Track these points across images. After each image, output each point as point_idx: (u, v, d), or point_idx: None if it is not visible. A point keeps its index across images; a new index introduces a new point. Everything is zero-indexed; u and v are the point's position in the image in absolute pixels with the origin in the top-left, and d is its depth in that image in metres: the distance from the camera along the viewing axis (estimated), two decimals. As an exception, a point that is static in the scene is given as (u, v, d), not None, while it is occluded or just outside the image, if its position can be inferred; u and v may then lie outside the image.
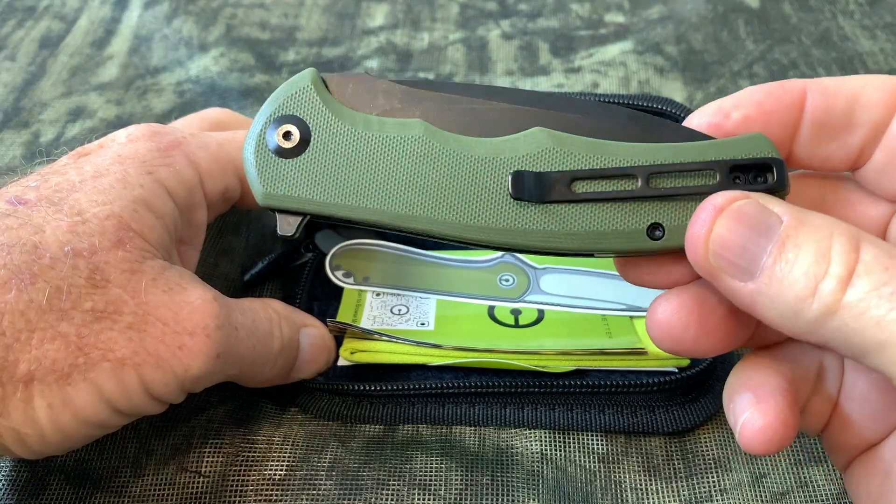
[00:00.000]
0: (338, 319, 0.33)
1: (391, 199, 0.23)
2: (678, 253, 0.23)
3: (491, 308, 0.35)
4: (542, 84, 0.50)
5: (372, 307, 0.35)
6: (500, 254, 0.36)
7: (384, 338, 0.32)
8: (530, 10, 0.57)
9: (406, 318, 0.34)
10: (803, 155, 0.24)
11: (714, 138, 0.23)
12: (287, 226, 0.25)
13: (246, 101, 0.47)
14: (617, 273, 0.34)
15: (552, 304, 0.35)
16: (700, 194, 0.22)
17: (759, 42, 0.52)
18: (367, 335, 0.33)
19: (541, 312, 0.35)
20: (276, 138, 0.24)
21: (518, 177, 0.23)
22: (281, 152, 0.24)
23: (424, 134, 0.23)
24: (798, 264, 0.20)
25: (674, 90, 0.49)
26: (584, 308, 0.34)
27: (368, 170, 0.23)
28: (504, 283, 0.36)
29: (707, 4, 0.55)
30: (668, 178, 0.23)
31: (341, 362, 0.33)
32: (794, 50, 0.51)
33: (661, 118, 0.24)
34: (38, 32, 0.55)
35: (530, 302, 0.35)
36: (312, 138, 0.24)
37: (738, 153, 0.23)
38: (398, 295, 0.35)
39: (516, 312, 0.35)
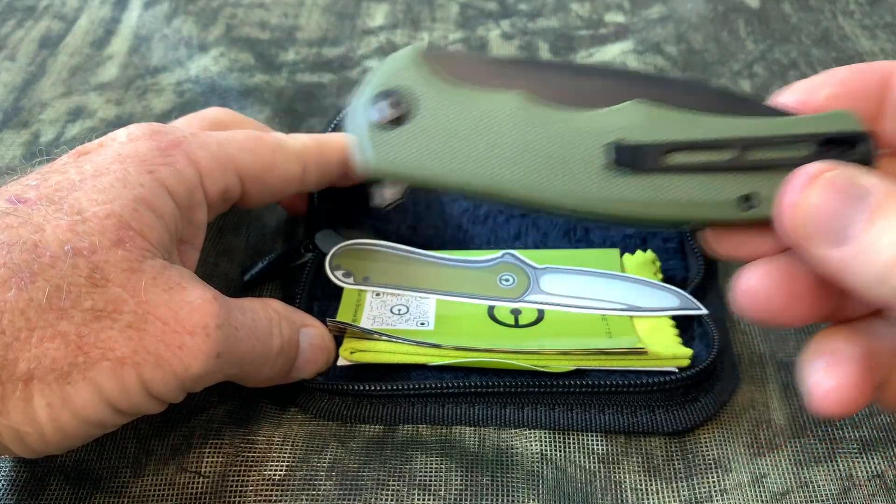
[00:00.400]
0: (337, 319, 0.33)
1: (491, 169, 0.24)
2: (767, 224, 0.23)
3: (491, 308, 0.35)
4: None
5: (372, 307, 0.35)
6: (500, 253, 0.36)
7: (384, 338, 0.32)
8: (530, 9, 0.57)
9: (406, 318, 0.34)
10: (889, 134, 0.25)
11: (801, 115, 0.24)
12: (387, 196, 0.26)
13: (246, 101, 0.47)
14: (617, 273, 0.34)
15: (552, 304, 0.35)
16: (791, 166, 0.23)
17: (759, 42, 0.52)
18: (366, 335, 0.33)
19: (541, 312, 0.35)
20: (380, 111, 0.24)
21: (617, 147, 0.24)
22: (385, 125, 0.24)
23: (524, 105, 0.24)
24: (887, 233, 0.20)
25: (674, 90, 0.49)
26: (584, 308, 0.34)
27: (470, 140, 0.24)
28: (504, 282, 0.36)
29: (707, 4, 0.55)
30: (761, 151, 0.24)
31: (341, 362, 0.33)
32: (795, 50, 0.51)
33: (750, 97, 0.25)
34: (38, 32, 0.55)
35: (530, 302, 0.35)
36: (417, 111, 0.25)
37: (827, 128, 0.24)
38: (398, 295, 0.35)
39: (516, 312, 0.35)
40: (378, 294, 0.35)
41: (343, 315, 0.34)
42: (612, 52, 0.52)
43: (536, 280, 0.36)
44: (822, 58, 0.51)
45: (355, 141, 0.25)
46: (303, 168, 0.33)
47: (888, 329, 0.24)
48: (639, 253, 0.36)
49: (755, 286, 0.24)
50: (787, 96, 0.25)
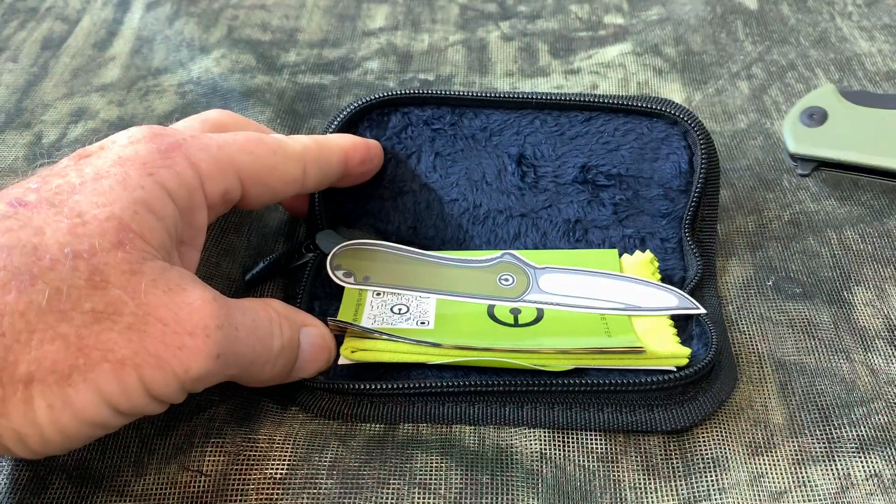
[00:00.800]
0: (339, 318, 0.33)
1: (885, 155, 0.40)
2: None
3: (491, 307, 0.35)
4: (542, 85, 0.50)
5: (372, 306, 0.35)
6: (499, 253, 0.37)
7: (384, 337, 0.32)
8: (530, 11, 0.57)
9: (406, 318, 0.34)
10: None
11: None
12: (800, 170, 0.41)
13: (247, 102, 0.48)
14: (616, 273, 0.34)
15: (551, 304, 0.35)
16: None
17: (757, 43, 0.53)
18: (367, 334, 0.33)
19: (540, 312, 0.35)
20: (805, 119, 0.41)
21: None
22: (809, 125, 0.41)
23: None
24: None
25: (672, 91, 0.49)
26: (583, 308, 0.35)
27: (862, 136, 0.40)
28: (504, 282, 0.36)
29: (706, 6, 0.56)
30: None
31: (342, 361, 0.33)
32: (793, 51, 0.52)
33: None
34: (41, 34, 0.56)
35: (530, 301, 0.35)
36: (828, 120, 0.41)
37: None
38: (398, 294, 0.36)
39: (516, 312, 0.35)
40: (378, 294, 0.35)
41: (344, 314, 0.35)
42: (612, 54, 0.52)
43: (536, 280, 0.36)
44: (820, 59, 0.51)
45: (787, 135, 0.41)
46: (303, 169, 0.33)
47: None
48: (637, 253, 0.37)
49: None
50: None
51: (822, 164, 0.41)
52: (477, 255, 0.37)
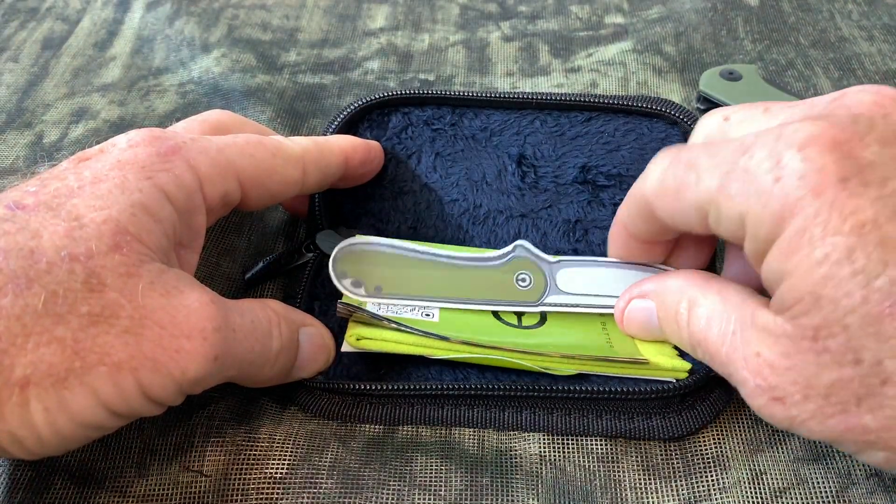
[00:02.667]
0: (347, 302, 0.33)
1: None
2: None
3: (494, 312, 0.35)
4: (543, 84, 0.50)
5: (378, 307, 0.35)
6: (511, 247, 0.36)
7: (392, 325, 0.32)
8: (530, 11, 0.57)
9: (410, 308, 0.34)
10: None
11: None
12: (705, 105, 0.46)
13: (248, 102, 0.48)
14: (630, 263, 0.34)
15: (575, 305, 0.35)
16: None
17: (757, 42, 0.53)
18: (374, 321, 0.32)
19: (543, 315, 0.35)
20: (724, 73, 0.47)
21: None
22: (724, 78, 0.47)
23: None
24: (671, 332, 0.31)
25: (672, 91, 0.49)
26: (606, 307, 0.34)
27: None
28: (521, 283, 0.35)
29: (706, 3, 0.56)
30: None
31: (346, 348, 0.32)
32: (793, 50, 0.52)
33: None
34: (41, 34, 0.56)
35: (552, 305, 0.35)
36: (741, 81, 0.47)
37: None
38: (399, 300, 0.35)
39: (520, 314, 0.35)
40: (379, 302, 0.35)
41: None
42: (612, 52, 0.52)
43: (553, 278, 0.35)
44: (819, 58, 0.51)
45: (703, 79, 0.47)
46: (303, 171, 0.33)
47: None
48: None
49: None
50: None
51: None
52: (488, 252, 0.37)
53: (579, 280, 0.35)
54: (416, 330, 0.32)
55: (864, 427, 0.23)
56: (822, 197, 0.23)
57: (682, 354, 0.33)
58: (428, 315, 0.34)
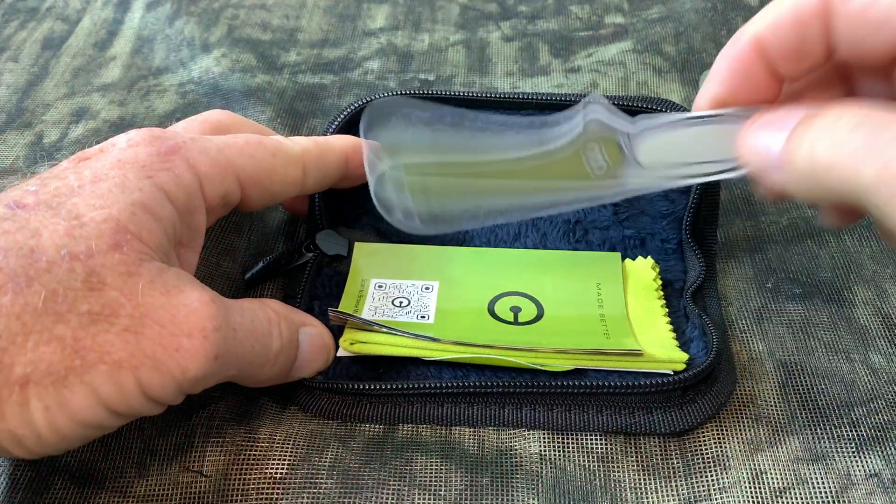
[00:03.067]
0: (339, 310, 0.34)
1: None
2: None
3: (491, 304, 0.35)
4: (543, 84, 0.50)
5: (374, 298, 0.35)
6: (579, 111, 0.30)
7: (384, 329, 0.33)
8: (530, 11, 0.57)
9: (407, 311, 0.35)
10: (844, 45, 0.26)
11: None
12: None
13: (248, 102, 0.48)
14: (731, 112, 0.28)
15: (659, 183, 0.30)
16: None
17: (758, 42, 0.53)
18: (367, 326, 0.33)
19: (540, 310, 0.35)
20: None
21: None
22: None
23: None
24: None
25: (672, 91, 0.49)
26: (695, 176, 0.29)
27: None
28: (593, 164, 0.30)
29: (706, 3, 0.56)
30: None
31: (340, 353, 0.33)
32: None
33: None
34: (41, 34, 0.56)
35: (633, 189, 0.30)
36: None
37: None
38: (399, 286, 0.36)
39: (516, 310, 0.35)
40: (381, 286, 0.36)
41: (345, 305, 0.35)
42: (612, 52, 0.52)
43: (631, 150, 0.29)
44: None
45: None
46: (303, 172, 0.33)
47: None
48: (640, 259, 0.37)
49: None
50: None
51: None
52: (546, 127, 0.31)
53: (664, 149, 0.30)
54: (408, 333, 0.32)
55: None
56: None
57: (683, 343, 0.33)
58: (423, 317, 0.34)
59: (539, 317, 0.35)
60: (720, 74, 0.28)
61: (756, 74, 0.27)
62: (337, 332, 0.33)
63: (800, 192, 0.25)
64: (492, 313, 0.35)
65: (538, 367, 0.32)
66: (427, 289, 0.36)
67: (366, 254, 0.38)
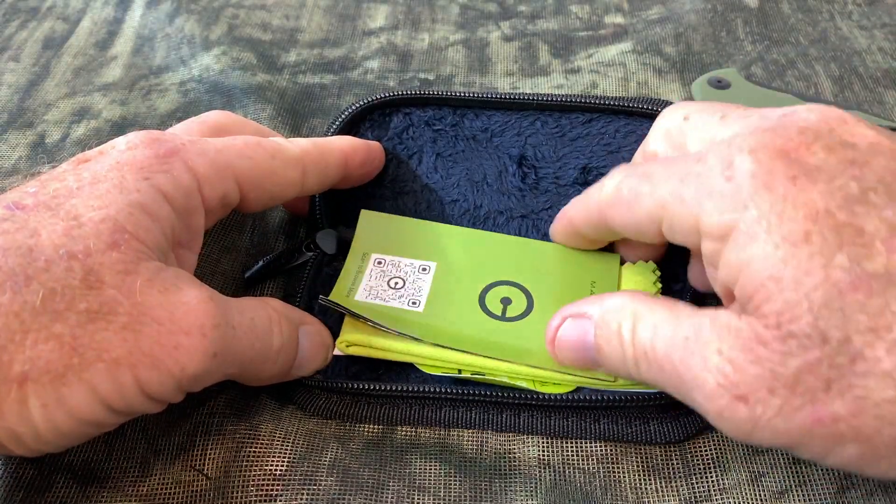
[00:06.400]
0: (334, 293, 0.34)
1: None
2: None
3: (484, 292, 0.35)
4: (542, 84, 0.50)
5: (371, 276, 0.35)
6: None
7: (370, 323, 0.33)
8: (530, 11, 0.57)
9: (399, 294, 0.35)
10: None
11: None
12: None
13: (248, 100, 0.48)
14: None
15: None
16: None
17: (757, 42, 0.53)
18: (355, 320, 0.33)
19: (530, 304, 0.34)
20: (713, 82, 0.47)
21: None
22: (715, 87, 0.47)
23: None
24: (610, 351, 0.28)
25: (672, 91, 0.49)
26: None
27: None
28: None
29: (706, 4, 0.56)
30: None
31: (336, 352, 0.33)
32: (793, 50, 0.52)
33: None
34: (42, 33, 0.56)
35: None
36: (731, 87, 0.47)
37: None
38: (398, 265, 0.36)
39: (506, 301, 0.35)
40: (380, 263, 0.36)
41: (342, 282, 0.35)
42: (612, 53, 0.52)
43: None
44: (820, 58, 0.51)
45: (695, 91, 0.47)
46: (302, 173, 0.33)
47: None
48: (640, 263, 0.37)
49: None
50: None
51: None
52: None
53: None
54: (393, 330, 0.32)
55: (834, 416, 0.23)
56: (774, 192, 0.24)
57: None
58: (415, 303, 0.34)
59: (527, 311, 0.34)
60: (558, 233, 0.36)
61: (578, 240, 0.35)
62: (335, 331, 0.33)
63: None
64: (482, 304, 0.35)
65: (537, 389, 0.32)
66: (424, 270, 0.36)
67: (371, 223, 0.38)
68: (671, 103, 0.36)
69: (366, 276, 0.35)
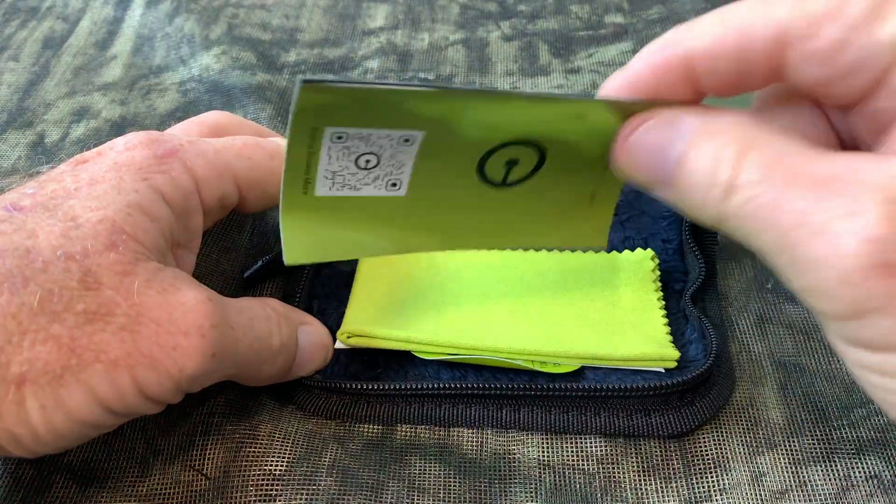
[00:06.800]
0: (286, 196, 0.27)
1: None
2: None
3: (483, 159, 0.28)
4: (542, 84, 0.50)
5: (330, 157, 0.26)
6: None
7: (362, 86, 0.24)
8: (530, 11, 0.57)
9: (374, 175, 0.27)
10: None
11: None
12: None
13: (248, 99, 0.48)
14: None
15: None
16: None
17: (758, 43, 0.53)
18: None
19: (541, 160, 0.28)
20: None
21: None
22: None
23: None
24: (699, 167, 0.22)
25: (673, 91, 0.49)
26: None
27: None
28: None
29: (706, 4, 0.56)
30: None
31: (338, 345, 0.33)
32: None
33: None
34: (42, 33, 0.56)
35: None
36: None
37: None
38: (366, 138, 0.26)
39: (511, 164, 0.28)
40: (341, 137, 0.25)
41: (291, 175, 0.26)
42: (612, 53, 0.52)
43: None
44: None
45: None
46: None
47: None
48: (639, 250, 0.36)
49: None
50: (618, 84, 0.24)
51: None
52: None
53: None
54: (389, 84, 0.24)
55: None
56: None
57: (682, 345, 0.33)
58: (394, 185, 0.28)
59: (536, 169, 0.29)
60: (636, 75, 0.25)
61: (675, 86, 0.24)
62: (334, 331, 0.33)
63: (695, 216, 0.23)
64: (480, 171, 0.28)
65: (536, 369, 0.32)
66: (407, 141, 0.26)
67: (320, 94, 0.23)
68: (670, 103, 0.35)
69: (322, 158, 0.26)
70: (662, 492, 0.30)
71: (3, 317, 0.23)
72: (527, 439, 0.31)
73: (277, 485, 0.30)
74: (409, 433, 0.32)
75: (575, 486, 0.30)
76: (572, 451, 0.31)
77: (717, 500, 0.29)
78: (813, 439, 0.31)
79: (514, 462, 0.31)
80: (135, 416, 0.27)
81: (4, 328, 0.23)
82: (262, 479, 0.30)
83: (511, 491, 0.30)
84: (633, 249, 0.37)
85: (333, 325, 0.34)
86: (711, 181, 0.22)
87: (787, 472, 0.30)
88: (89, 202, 0.26)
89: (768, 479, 0.30)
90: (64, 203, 0.26)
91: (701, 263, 0.35)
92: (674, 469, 0.30)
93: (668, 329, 0.33)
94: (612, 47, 0.53)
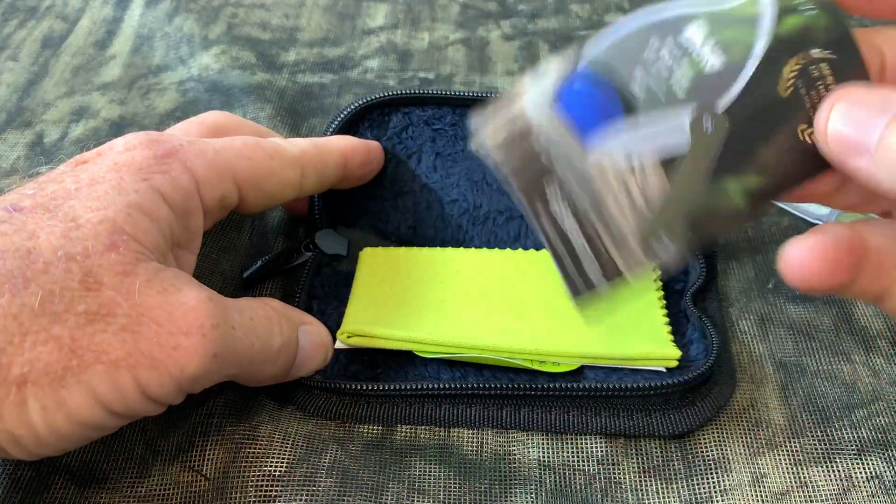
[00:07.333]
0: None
1: None
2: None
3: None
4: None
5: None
6: None
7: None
8: (530, 10, 0.57)
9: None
10: None
11: None
12: None
13: (248, 99, 0.47)
14: None
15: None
16: None
17: (759, 42, 0.52)
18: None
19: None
20: None
21: None
22: None
23: None
24: None
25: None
26: None
27: None
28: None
29: (707, 4, 0.56)
30: None
31: (338, 345, 0.33)
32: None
33: None
34: (41, 32, 0.55)
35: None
36: None
37: None
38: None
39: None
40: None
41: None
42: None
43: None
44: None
45: None
46: (301, 174, 0.33)
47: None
48: None
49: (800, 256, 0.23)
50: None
51: None
52: None
53: None
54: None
55: None
56: None
57: (683, 344, 0.33)
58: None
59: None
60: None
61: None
62: (334, 331, 0.33)
63: (887, 187, 0.22)
64: None
65: (536, 368, 0.32)
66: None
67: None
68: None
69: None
70: (663, 493, 0.30)
71: (4, 318, 0.23)
72: (527, 440, 0.31)
73: (277, 486, 0.30)
74: (408, 434, 0.32)
75: (575, 488, 0.30)
76: (573, 452, 0.31)
77: (717, 500, 0.29)
78: (814, 440, 0.31)
79: (515, 463, 0.31)
80: (136, 417, 0.26)
81: (5, 329, 0.23)
82: (262, 480, 0.30)
83: (512, 492, 0.30)
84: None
85: (333, 325, 0.34)
86: None
87: (789, 472, 0.30)
88: (90, 202, 0.26)
89: (769, 479, 0.30)
90: (64, 204, 0.26)
91: (701, 264, 0.35)
92: (674, 470, 0.30)
93: (668, 328, 0.33)
94: (612, 47, 0.52)
